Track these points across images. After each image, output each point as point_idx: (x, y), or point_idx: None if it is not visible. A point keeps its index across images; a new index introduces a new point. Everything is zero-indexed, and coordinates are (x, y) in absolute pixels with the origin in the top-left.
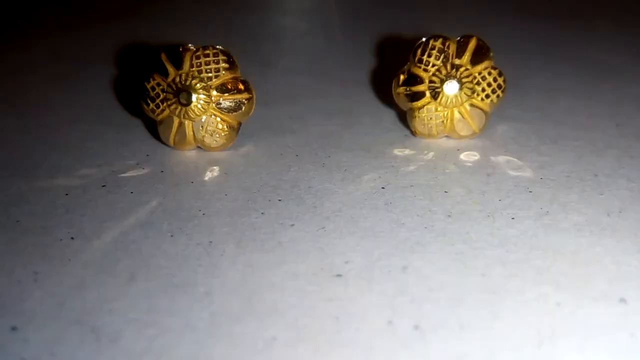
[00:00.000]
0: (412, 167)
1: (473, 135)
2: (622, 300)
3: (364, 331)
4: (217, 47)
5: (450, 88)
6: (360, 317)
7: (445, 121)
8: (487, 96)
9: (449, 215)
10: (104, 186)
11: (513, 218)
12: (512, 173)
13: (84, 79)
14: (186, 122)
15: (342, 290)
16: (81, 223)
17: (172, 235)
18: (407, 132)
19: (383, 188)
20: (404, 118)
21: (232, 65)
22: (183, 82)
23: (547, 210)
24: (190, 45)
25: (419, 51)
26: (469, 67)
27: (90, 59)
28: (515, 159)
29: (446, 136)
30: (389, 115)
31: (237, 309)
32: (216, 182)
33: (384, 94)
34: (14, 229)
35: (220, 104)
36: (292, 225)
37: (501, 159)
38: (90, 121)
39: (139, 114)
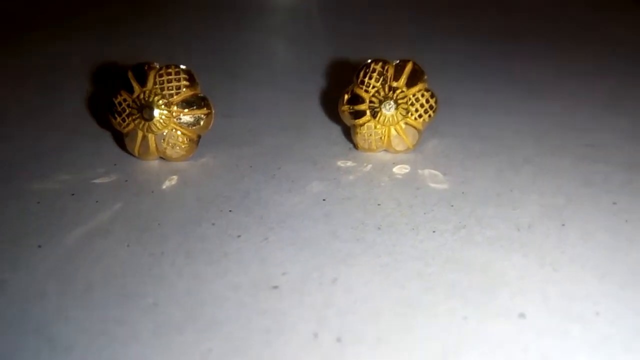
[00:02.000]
0: (351, 179)
1: (408, 150)
2: (521, 315)
3: (291, 344)
4: (179, 66)
5: (388, 109)
6: (289, 329)
7: (383, 137)
8: (420, 116)
9: (379, 228)
10: (73, 194)
11: (434, 231)
12: (438, 187)
13: (63, 88)
14: (149, 135)
15: (276, 302)
16: (49, 231)
17: (128, 245)
18: (351, 145)
19: (324, 200)
20: (349, 133)
21: (192, 82)
22: (146, 99)
23: (465, 224)
24: (155, 63)
25: (361, 73)
26: (404, 89)
27: (71, 69)
28: (441, 174)
29: (384, 150)
30: (336, 129)
31: (180, 320)
32: (174, 192)
33: (333, 110)
34: None
35: (181, 119)
36: (239, 236)
37: (430, 173)
38: (66, 130)
39: (109, 125)
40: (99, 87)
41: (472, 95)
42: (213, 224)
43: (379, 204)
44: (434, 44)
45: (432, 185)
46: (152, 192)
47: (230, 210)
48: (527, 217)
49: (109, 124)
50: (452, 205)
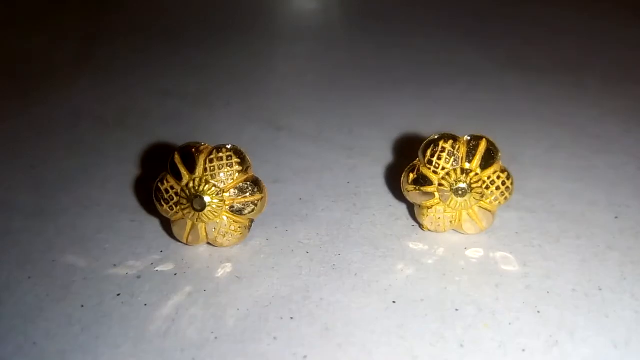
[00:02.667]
0: (420, 270)
1: (479, 232)
2: None
3: None
4: (230, 147)
5: (460, 194)
6: None
7: (453, 221)
8: (495, 199)
9: (461, 345)
10: (118, 295)
11: (524, 350)
12: (519, 283)
13: (103, 147)
14: (199, 224)
15: None
16: (97, 347)
17: None
18: (414, 223)
19: (394, 302)
20: (410, 205)
21: (244, 165)
22: (197, 188)
23: (556, 340)
24: (203, 144)
25: (428, 152)
26: (478, 171)
27: (111, 121)
28: (520, 265)
29: (453, 229)
30: (394, 200)
31: None
32: (228, 291)
33: (390, 173)
34: (31, 354)
35: (233, 206)
36: (305, 357)
37: (507, 260)
38: (105, 205)
39: (152, 205)
40: (133, 156)
41: (536, 151)
42: (275, 338)
43: (456, 309)
44: (486, 79)
45: (513, 279)
46: (205, 290)
47: (291, 318)
48: (622, 327)
49: (152, 204)
50: (538, 311)
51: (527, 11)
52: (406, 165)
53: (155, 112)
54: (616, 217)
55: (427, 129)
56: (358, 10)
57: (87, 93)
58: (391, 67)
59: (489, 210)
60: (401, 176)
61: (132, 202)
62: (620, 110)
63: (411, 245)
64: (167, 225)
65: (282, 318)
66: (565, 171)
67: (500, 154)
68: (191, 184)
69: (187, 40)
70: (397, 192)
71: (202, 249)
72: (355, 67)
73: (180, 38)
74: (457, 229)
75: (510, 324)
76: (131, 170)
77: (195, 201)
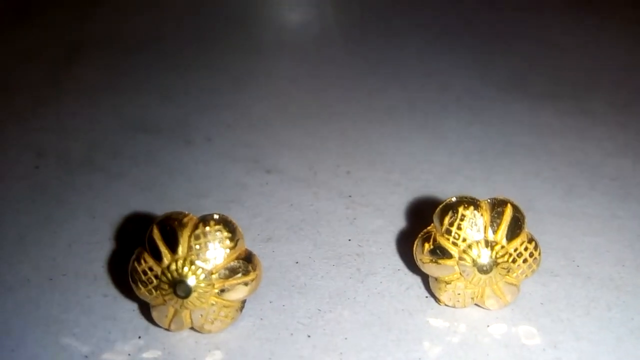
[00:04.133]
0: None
1: (503, 307)
2: None
3: None
4: (218, 218)
5: (484, 270)
6: None
7: (475, 297)
8: (522, 272)
9: None
10: None
11: None
12: None
13: (68, 195)
14: (184, 310)
15: None
16: None
17: None
18: (427, 291)
19: None
20: (422, 271)
21: (235, 239)
22: (180, 271)
23: None
24: (186, 214)
25: (446, 220)
26: (504, 244)
27: (77, 161)
28: (552, 350)
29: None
30: (402, 262)
31: None
32: None
33: (394, 226)
34: None
35: (223, 289)
36: None
37: (536, 344)
38: (72, 274)
39: (127, 282)
40: (107, 221)
41: (551, 198)
42: None
43: None
44: (488, 106)
45: None
46: None
47: None
48: None
49: (126, 272)
50: None
51: (523, 29)
52: (411, 216)
53: (126, 149)
54: None
55: (430, 169)
56: (342, 25)
57: (51, 126)
58: (383, 90)
59: (514, 285)
60: (406, 229)
61: (103, 269)
62: (633, 142)
63: (427, 323)
64: (144, 308)
65: None
66: (585, 222)
67: (526, 220)
68: (173, 266)
69: (163, 60)
70: (403, 251)
71: (186, 333)
72: (343, 90)
73: (155, 57)
74: (479, 304)
75: None
76: (100, 226)
77: (178, 287)
